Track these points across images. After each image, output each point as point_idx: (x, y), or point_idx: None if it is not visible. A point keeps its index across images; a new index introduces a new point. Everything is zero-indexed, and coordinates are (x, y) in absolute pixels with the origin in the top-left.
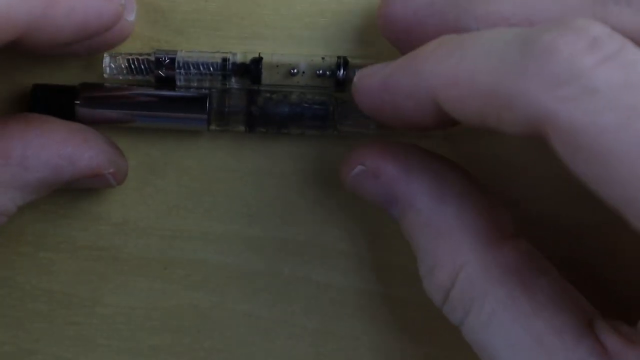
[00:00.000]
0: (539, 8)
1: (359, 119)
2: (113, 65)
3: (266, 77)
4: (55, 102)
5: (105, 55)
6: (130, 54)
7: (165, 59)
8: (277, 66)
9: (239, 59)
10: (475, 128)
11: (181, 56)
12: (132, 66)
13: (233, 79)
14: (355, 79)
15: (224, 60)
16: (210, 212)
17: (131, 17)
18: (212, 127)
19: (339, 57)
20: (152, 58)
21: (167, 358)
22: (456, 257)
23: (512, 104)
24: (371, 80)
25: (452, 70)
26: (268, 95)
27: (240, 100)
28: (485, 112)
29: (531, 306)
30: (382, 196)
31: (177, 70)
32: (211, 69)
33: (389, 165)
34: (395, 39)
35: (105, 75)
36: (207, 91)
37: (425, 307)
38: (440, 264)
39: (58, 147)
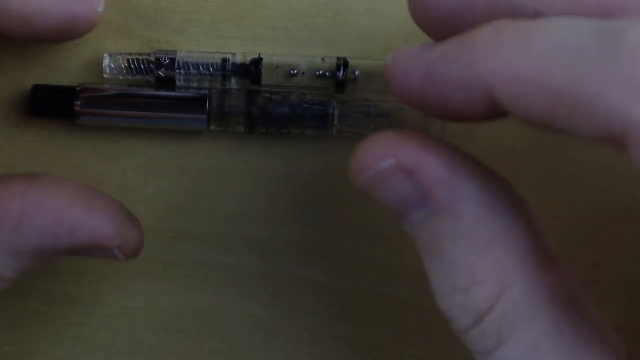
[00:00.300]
0: None
1: (358, 119)
2: (113, 65)
3: (266, 78)
4: (55, 103)
5: (105, 55)
6: (130, 54)
7: (165, 59)
8: (277, 67)
9: (238, 59)
10: (532, 126)
11: (181, 56)
12: (132, 66)
13: (233, 80)
14: (389, 60)
15: (224, 60)
16: (210, 212)
17: (100, 7)
18: (212, 127)
19: (338, 58)
20: (152, 58)
21: (167, 358)
22: (501, 276)
23: (590, 108)
24: (411, 65)
25: (517, 64)
26: (268, 95)
27: (240, 100)
28: (554, 112)
29: (577, 340)
30: (407, 197)
31: (177, 71)
32: (211, 69)
33: (431, 163)
34: (434, 28)
35: (105, 75)
36: (206, 91)
37: (425, 307)
38: (480, 282)
39: (57, 214)
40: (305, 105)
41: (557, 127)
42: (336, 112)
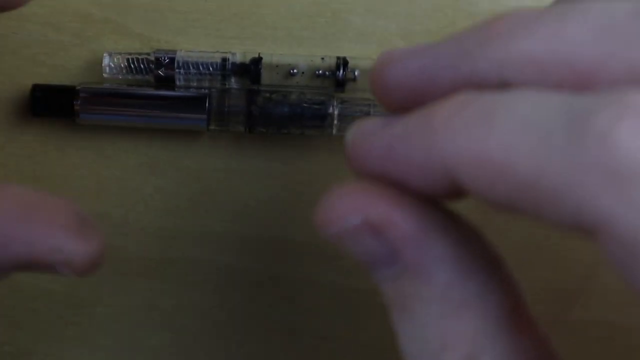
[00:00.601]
0: (577, 45)
1: (358, 119)
2: (112, 65)
3: (266, 78)
4: (55, 102)
5: (104, 54)
6: (130, 54)
7: (164, 58)
8: (277, 66)
9: (238, 59)
10: (498, 210)
11: (181, 56)
12: (132, 65)
13: (233, 79)
14: (349, 136)
15: (224, 60)
16: (210, 212)
17: None
18: (212, 127)
19: (338, 58)
20: (152, 57)
21: (167, 358)
22: (473, 342)
23: (557, 199)
24: (371, 144)
25: (479, 147)
26: (268, 95)
27: (239, 100)
28: (520, 199)
29: None
30: (375, 254)
31: (177, 70)
32: (211, 68)
33: (402, 220)
34: (400, 106)
35: (104, 75)
36: (206, 91)
37: None
38: (450, 347)
39: None
40: (305, 105)
41: (524, 213)
42: (336, 112)
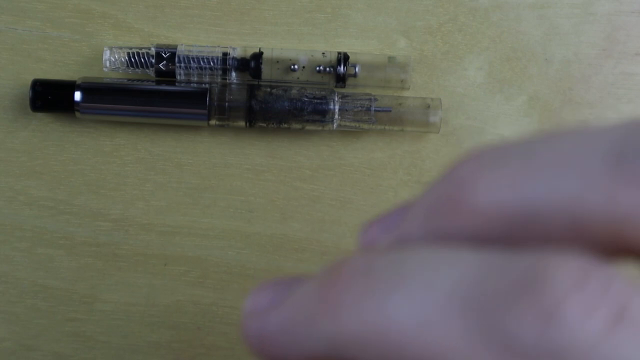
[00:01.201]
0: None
1: (359, 114)
2: (113, 59)
3: (266, 73)
4: (55, 97)
5: (105, 49)
6: (130, 48)
7: (165, 52)
8: (278, 62)
9: (239, 53)
10: None
11: (182, 50)
12: (132, 59)
13: (233, 74)
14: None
15: (224, 54)
16: (210, 208)
17: None
18: (212, 122)
19: (339, 53)
20: (153, 52)
21: (166, 355)
22: None
23: None
24: None
25: None
26: (268, 89)
27: (240, 95)
28: None
29: None
30: None
31: (178, 65)
32: (211, 63)
33: None
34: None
35: (104, 69)
36: (207, 86)
37: None
38: None
39: None
40: (306, 99)
41: None
42: (337, 107)
